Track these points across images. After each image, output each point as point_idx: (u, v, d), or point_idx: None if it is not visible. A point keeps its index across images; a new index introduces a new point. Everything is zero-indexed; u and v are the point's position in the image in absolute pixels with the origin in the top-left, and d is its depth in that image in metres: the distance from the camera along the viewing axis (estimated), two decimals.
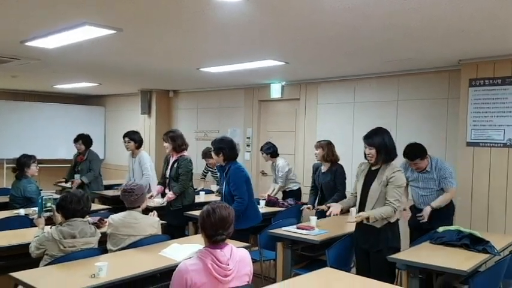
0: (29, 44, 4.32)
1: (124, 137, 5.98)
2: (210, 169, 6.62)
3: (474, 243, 3.54)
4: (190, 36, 3.99)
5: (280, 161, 5.95)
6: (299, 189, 6.02)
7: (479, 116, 4.68)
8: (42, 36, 4.02)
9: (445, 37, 3.79)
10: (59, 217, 3.40)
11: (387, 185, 3.44)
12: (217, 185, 6.32)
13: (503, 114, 4.54)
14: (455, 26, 3.42)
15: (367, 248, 3.55)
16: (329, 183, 5.03)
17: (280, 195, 6.04)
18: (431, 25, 3.41)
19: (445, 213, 4.31)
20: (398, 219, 3.57)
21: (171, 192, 4.89)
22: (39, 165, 5.62)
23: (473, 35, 3.70)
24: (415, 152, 4.25)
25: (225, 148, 4.32)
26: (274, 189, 5.98)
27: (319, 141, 5.24)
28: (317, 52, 4.59)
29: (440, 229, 3.86)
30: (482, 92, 4.65)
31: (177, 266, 2.40)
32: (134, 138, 5.92)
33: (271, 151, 5.97)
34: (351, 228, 3.90)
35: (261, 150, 6.08)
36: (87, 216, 3.73)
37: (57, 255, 3.09)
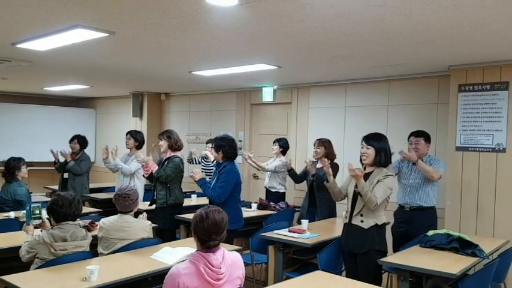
0: (20, 46, 4.29)
1: (126, 134, 6.05)
2: (204, 163, 6.64)
3: (463, 246, 3.58)
4: (183, 40, 4.00)
5: (283, 159, 5.97)
6: (284, 194, 6.05)
7: (468, 121, 4.74)
8: (34, 38, 4.00)
9: (435, 43, 3.84)
10: (48, 226, 3.39)
11: (377, 184, 3.47)
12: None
13: (492, 119, 4.60)
14: (445, 32, 3.47)
15: (354, 250, 3.58)
16: (321, 178, 5.05)
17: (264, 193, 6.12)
18: (422, 31, 3.46)
19: (427, 221, 4.34)
20: (386, 223, 3.60)
21: (155, 167, 4.91)
22: (29, 168, 5.59)
23: (463, 41, 3.76)
24: (423, 132, 4.52)
25: (225, 146, 4.36)
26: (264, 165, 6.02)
27: (320, 139, 5.27)
28: (309, 57, 4.62)
29: (430, 232, 3.90)
30: (472, 98, 4.71)
31: (168, 269, 2.40)
32: (135, 137, 5.97)
33: (285, 146, 6.04)
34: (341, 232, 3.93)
35: (276, 141, 6.06)
36: (78, 219, 3.71)
37: (48, 258, 3.07)
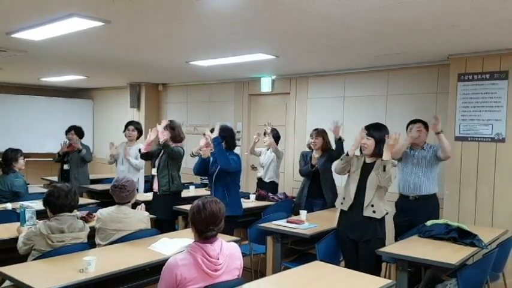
0: (15, 35, 4.24)
1: (129, 125, 6.07)
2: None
3: (462, 236, 3.58)
4: (179, 29, 3.95)
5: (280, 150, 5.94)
6: (277, 185, 6.01)
7: (467, 111, 4.71)
8: (29, 27, 3.96)
9: (434, 32, 3.80)
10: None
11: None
12: None
13: (491, 109, 4.57)
14: (445, 20, 3.43)
15: (356, 238, 3.59)
16: (325, 164, 5.03)
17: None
18: (422, 19, 3.42)
19: (432, 209, 4.33)
20: (386, 213, 3.61)
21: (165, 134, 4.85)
22: (26, 159, 5.58)
23: (463, 30, 3.72)
24: (422, 120, 4.48)
25: (226, 136, 4.32)
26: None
27: (316, 130, 5.20)
28: (307, 46, 4.58)
29: (429, 223, 3.89)
30: (471, 87, 4.68)
31: (166, 260, 2.39)
32: (138, 128, 6.06)
33: (276, 136, 5.95)
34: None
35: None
36: (75, 210, 3.70)
37: (45, 250, 3.05)
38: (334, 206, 4.96)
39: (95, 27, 3.83)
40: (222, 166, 4.24)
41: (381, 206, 3.53)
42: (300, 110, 6.75)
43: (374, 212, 3.52)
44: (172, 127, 5.00)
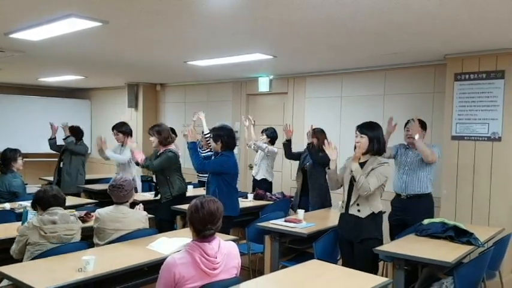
0: (13, 36, 4.24)
1: (112, 129, 5.99)
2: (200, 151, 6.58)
3: (458, 235, 3.59)
4: (177, 29, 3.96)
5: (270, 147, 5.95)
6: (271, 183, 6.03)
7: (464, 110, 4.74)
8: (27, 28, 3.96)
9: (432, 32, 3.82)
10: None
11: (371, 171, 3.47)
12: None
13: (487, 108, 4.60)
14: (442, 21, 3.45)
15: (352, 239, 3.59)
16: (312, 166, 5.07)
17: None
18: (419, 20, 3.43)
19: (424, 209, 4.34)
20: (382, 212, 3.62)
21: (141, 157, 4.75)
22: (24, 159, 5.58)
23: (460, 30, 3.74)
24: (422, 121, 4.43)
25: (224, 136, 4.34)
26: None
27: (313, 130, 5.25)
28: (305, 46, 4.59)
29: (426, 221, 3.91)
30: (468, 86, 4.71)
31: (165, 259, 2.40)
32: (122, 130, 5.91)
33: (273, 136, 5.98)
34: (337, 221, 3.93)
35: (264, 131, 6.03)
36: (74, 210, 3.71)
37: (39, 242, 3.08)
38: (317, 209, 5.02)
39: (93, 28, 3.83)
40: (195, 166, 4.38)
41: (366, 205, 3.49)
42: (297, 110, 6.77)
43: (359, 210, 3.51)
44: (158, 131, 4.85)
